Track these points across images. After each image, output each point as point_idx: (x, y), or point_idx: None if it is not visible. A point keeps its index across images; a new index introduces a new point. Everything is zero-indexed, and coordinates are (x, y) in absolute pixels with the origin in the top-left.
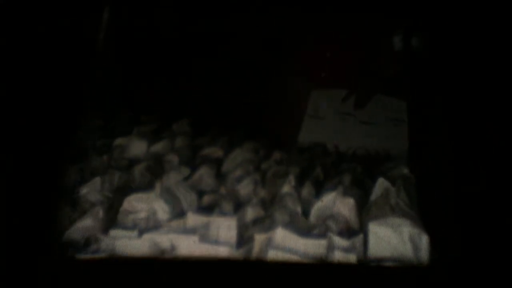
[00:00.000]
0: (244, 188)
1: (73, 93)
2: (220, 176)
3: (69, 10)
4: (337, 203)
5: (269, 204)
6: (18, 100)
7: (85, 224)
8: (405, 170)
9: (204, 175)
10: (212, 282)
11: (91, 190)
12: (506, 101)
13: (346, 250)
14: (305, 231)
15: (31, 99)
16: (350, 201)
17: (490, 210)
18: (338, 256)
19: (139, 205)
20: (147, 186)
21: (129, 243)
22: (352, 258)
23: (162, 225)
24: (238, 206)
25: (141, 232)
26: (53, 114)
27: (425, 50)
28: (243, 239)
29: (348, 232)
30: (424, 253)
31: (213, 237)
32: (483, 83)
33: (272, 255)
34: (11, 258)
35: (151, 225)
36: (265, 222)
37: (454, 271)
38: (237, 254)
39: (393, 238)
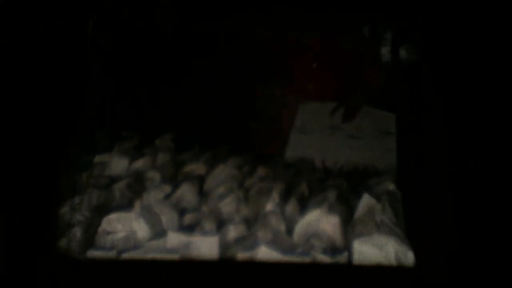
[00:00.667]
0: (227, 206)
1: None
2: (202, 194)
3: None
4: (321, 221)
5: (252, 222)
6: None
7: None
8: (391, 186)
9: (186, 192)
10: (213, 282)
11: (69, 210)
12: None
13: None
14: (289, 250)
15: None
16: (335, 219)
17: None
18: None
19: (118, 225)
20: (127, 205)
21: None
22: None
23: (141, 245)
24: (221, 224)
25: (119, 253)
26: (52, 112)
27: (414, 60)
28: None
29: (332, 250)
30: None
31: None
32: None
33: None
34: (11, 258)
35: (130, 246)
36: (248, 241)
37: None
38: None
39: (378, 257)
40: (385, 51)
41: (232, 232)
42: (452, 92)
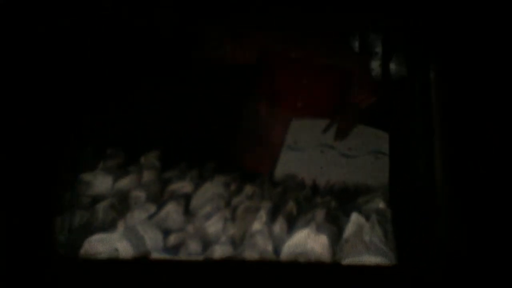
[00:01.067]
0: (213, 226)
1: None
2: (188, 213)
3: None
4: (309, 240)
5: (239, 242)
6: None
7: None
8: (381, 204)
9: (171, 212)
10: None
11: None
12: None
13: None
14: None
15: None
16: (323, 238)
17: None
18: None
19: (100, 246)
20: (110, 225)
21: None
22: None
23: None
24: (206, 245)
25: None
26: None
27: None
28: None
29: None
30: None
31: None
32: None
33: None
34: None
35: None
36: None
37: None
38: None
39: None
40: (375, 66)
41: (218, 252)
42: (446, 107)
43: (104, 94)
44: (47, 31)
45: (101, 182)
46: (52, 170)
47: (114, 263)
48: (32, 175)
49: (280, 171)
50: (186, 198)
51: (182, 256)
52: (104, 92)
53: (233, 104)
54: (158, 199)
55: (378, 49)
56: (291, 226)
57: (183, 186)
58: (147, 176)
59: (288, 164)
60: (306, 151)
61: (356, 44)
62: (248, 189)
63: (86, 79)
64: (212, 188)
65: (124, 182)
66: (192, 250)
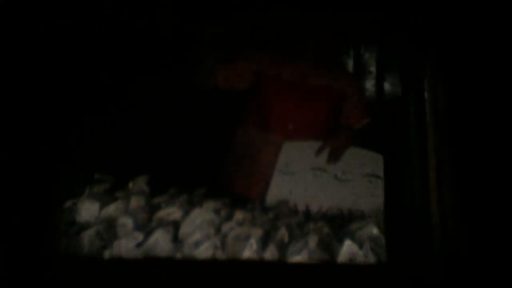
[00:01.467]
0: (202, 254)
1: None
2: (177, 241)
3: None
4: None
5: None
6: None
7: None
8: (375, 230)
9: (159, 240)
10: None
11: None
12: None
13: None
14: None
15: None
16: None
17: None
18: None
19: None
20: (96, 254)
21: None
22: None
23: None
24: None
25: None
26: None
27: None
28: None
29: None
30: None
31: None
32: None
33: None
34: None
35: None
36: None
37: None
38: None
39: None
40: (369, 85)
41: None
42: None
43: (92, 117)
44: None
45: (87, 209)
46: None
47: (114, 263)
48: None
49: (272, 195)
50: (175, 225)
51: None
52: (92, 114)
53: (224, 128)
54: (146, 226)
55: (372, 69)
56: (283, 253)
57: (172, 212)
58: (135, 202)
59: (280, 188)
60: (298, 175)
61: (350, 64)
62: (239, 215)
63: (72, 102)
64: (201, 215)
65: (111, 209)
66: None
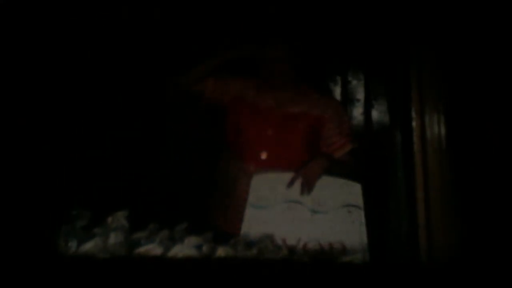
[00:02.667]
0: None
1: None
2: None
3: None
4: None
5: None
6: None
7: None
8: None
9: None
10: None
11: None
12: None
13: None
14: None
15: None
16: None
17: None
18: None
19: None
20: None
21: None
22: None
23: None
24: None
25: None
26: None
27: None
28: None
29: None
30: None
31: None
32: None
33: None
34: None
35: None
36: None
37: None
38: None
39: None
40: (356, 113)
41: None
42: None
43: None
44: None
45: (64, 247)
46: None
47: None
48: None
49: (248, 230)
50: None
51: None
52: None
53: (205, 161)
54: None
55: (359, 97)
56: None
57: (152, 248)
58: (114, 238)
59: (254, 222)
60: (272, 208)
61: (337, 91)
62: (221, 251)
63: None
64: (182, 251)
65: (89, 246)
66: None
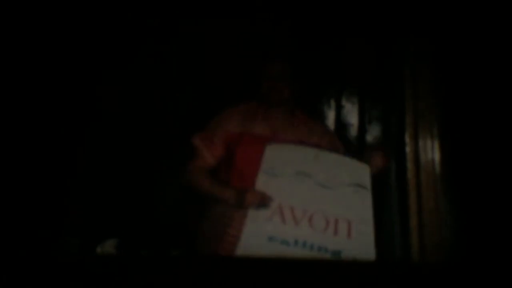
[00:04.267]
0: None
1: None
2: None
3: None
4: None
5: None
6: None
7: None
8: None
9: None
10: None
11: None
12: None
13: None
14: None
15: None
16: None
17: None
18: None
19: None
20: None
21: None
22: None
23: None
24: None
25: None
26: None
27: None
28: None
29: None
30: None
31: None
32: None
33: None
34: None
35: None
36: None
37: None
38: None
39: None
40: (351, 138)
41: None
42: None
43: (59, 177)
44: None
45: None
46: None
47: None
48: None
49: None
50: None
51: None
52: (59, 175)
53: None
54: None
55: (354, 120)
56: None
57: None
58: None
59: (266, 188)
60: (282, 177)
61: (331, 116)
62: None
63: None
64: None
65: None
66: None
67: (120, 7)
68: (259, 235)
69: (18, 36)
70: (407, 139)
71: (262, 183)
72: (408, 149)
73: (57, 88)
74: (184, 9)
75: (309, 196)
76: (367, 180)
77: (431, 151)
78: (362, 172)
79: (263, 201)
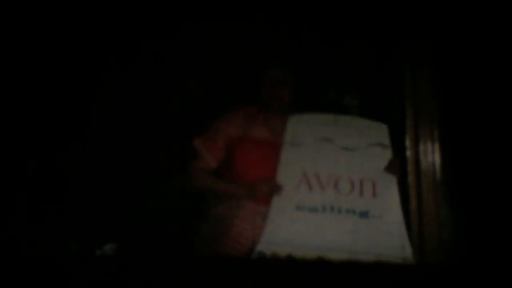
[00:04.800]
0: None
1: None
2: None
3: None
4: None
5: None
6: None
7: None
8: None
9: None
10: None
11: None
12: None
13: None
14: None
15: None
16: None
17: None
18: None
19: None
20: None
21: None
22: None
23: None
24: None
25: None
26: None
27: None
28: None
29: None
30: None
31: None
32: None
33: None
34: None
35: None
36: None
37: None
38: None
39: None
40: None
41: None
42: None
43: (57, 181)
44: None
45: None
46: None
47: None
48: None
49: (285, 167)
50: None
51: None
52: (58, 179)
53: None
54: None
55: None
56: None
57: None
58: None
59: (291, 160)
60: (305, 146)
61: None
62: None
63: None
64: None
65: None
66: None
67: (120, 7)
68: (287, 206)
69: (18, 36)
70: (408, 142)
71: (286, 155)
72: (408, 152)
73: (57, 88)
74: (184, 9)
75: (332, 161)
76: (386, 138)
77: (432, 155)
78: (380, 131)
79: (274, 190)
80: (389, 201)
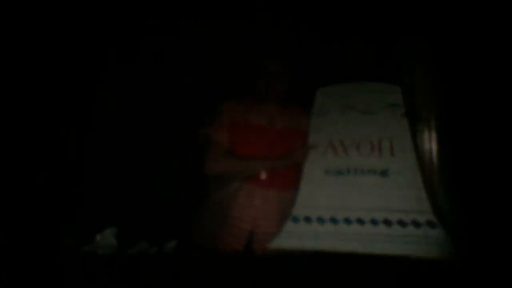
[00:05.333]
0: None
1: None
2: None
3: None
4: None
5: None
6: None
7: None
8: None
9: None
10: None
11: None
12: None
13: None
14: None
15: None
16: None
17: None
18: None
19: None
20: None
21: None
22: None
23: None
24: None
25: None
26: None
27: None
28: None
29: None
30: None
31: None
32: None
33: None
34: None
35: None
36: None
37: None
38: None
39: None
40: None
41: None
42: None
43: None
44: None
45: None
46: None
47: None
48: None
49: (314, 138)
50: None
51: None
52: (60, 166)
53: (197, 178)
54: None
55: None
56: None
57: None
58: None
59: (318, 130)
60: (330, 114)
61: None
62: None
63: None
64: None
65: None
66: None
67: (120, 7)
68: (316, 170)
69: (18, 36)
70: None
71: (314, 126)
72: None
73: (57, 87)
74: (184, 9)
75: (354, 126)
76: (399, 98)
77: (429, 153)
78: (393, 92)
79: (307, 156)
80: (406, 158)
